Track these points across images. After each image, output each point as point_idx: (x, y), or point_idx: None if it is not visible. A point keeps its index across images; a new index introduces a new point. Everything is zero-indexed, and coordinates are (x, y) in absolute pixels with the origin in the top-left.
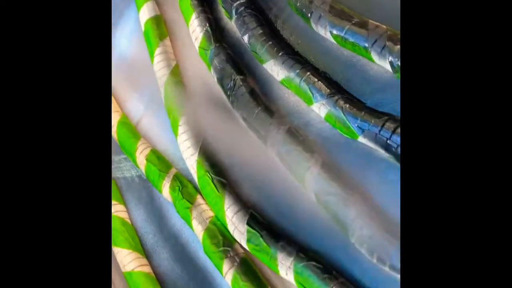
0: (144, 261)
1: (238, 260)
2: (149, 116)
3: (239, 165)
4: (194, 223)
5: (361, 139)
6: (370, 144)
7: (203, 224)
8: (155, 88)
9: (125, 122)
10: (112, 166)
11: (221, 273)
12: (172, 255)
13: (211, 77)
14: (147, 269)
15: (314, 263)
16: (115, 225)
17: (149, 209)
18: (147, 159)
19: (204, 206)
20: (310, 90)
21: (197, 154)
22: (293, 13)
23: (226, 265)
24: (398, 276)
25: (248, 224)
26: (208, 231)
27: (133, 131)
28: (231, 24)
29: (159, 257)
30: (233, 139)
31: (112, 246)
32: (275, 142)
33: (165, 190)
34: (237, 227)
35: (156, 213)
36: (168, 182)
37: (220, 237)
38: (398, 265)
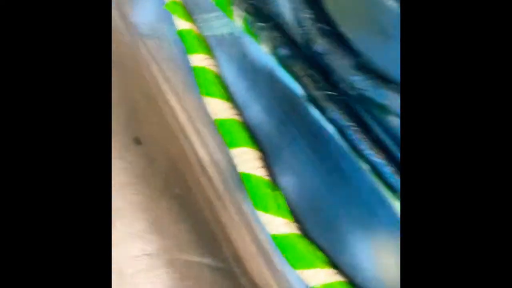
0: (237, 111)
1: None
2: None
3: None
4: None
5: None
6: None
7: None
8: None
9: None
10: (201, 25)
11: None
12: (265, 108)
13: None
14: (241, 118)
15: None
16: (208, 76)
17: (241, 66)
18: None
19: None
20: None
21: None
22: None
23: None
24: None
25: None
26: None
27: None
28: None
29: (252, 110)
30: None
31: (204, 96)
32: None
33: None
34: None
35: (248, 69)
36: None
37: None
38: None
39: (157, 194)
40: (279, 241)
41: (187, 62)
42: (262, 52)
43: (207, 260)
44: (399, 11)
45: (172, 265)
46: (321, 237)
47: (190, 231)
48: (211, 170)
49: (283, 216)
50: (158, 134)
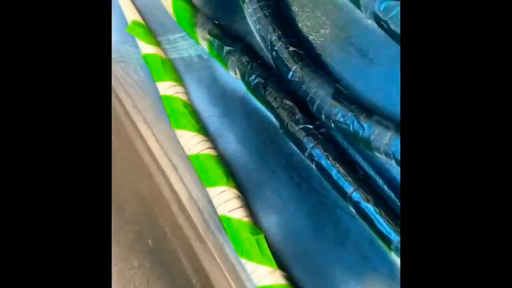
0: (210, 144)
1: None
2: None
3: None
4: None
5: None
6: None
7: None
8: None
9: None
10: (167, 46)
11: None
12: (240, 137)
13: None
14: (214, 152)
15: None
16: (176, 106)
17: (212, 91)
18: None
19: None
20: None
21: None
22: None
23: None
24: None
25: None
26: None
27: (191, 4)
28: None
29: (226, 140)
30: None
31: (175, 129)
32: None
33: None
34: None
35: (220, 95)
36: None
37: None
38: None
39: (126, 250)
40: None
41: (157, 87)
42: (232, 77)
43: None
44: (379, 29)
45: None
46: (310, 285)
47: (162, 278)
48: (190, 208)
49: (267, 264)
50: (130, 173)
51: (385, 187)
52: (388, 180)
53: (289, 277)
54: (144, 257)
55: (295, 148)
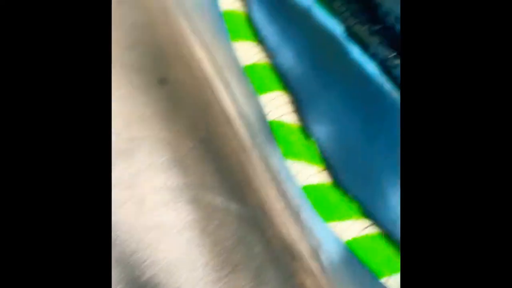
0: (268, 54)
1: None
2: None
3: None
4: None
5: None
6: None
7: None
8: None
9: None
10: None
11: None
12: (299, 51)
13: None
14: (272, 62)
15: None
16: (238, 19)
17: (273, 7)
18: None
19: None
20: None
21: None
22: None
23: None
24: None
25: None
26: None
27: None
28: None
29: (284, 55)
30: None
31: (234, 41)
32: None
33: None
34: None
35: (281, 10)
36: None
37: None
38: None
39: (182, 133)
40: (310, 191)
41: (215, 8)
42: None
43: (233, 206)
44: None
45: (196, 203)
46: (357, 188)
47: (215, 174)
48: (238, 123)
49: (315, 164)
50: (186, 81)
51: None
52: None
53: (335, 178)
54: (198, 143)
55: (355, 58)
